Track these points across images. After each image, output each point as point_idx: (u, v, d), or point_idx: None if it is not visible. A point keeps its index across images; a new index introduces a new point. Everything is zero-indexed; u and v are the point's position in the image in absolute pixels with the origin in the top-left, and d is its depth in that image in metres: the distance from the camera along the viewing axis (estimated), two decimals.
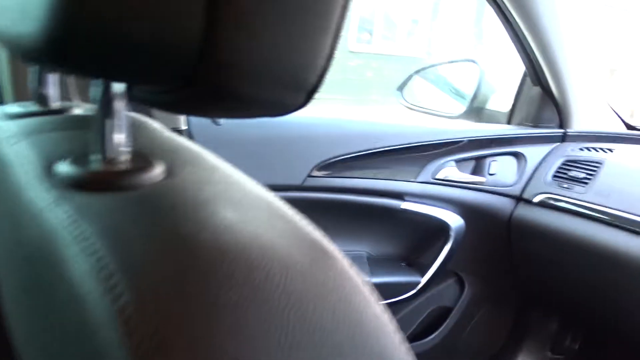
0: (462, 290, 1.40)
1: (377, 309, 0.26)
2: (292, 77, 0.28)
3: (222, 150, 1.02)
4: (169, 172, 0.32)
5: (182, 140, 0.41)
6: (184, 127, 0.91)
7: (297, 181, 1.09)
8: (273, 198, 0.33)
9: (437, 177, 1.23)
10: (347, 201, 1.16)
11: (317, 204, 1.14)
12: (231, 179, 0.34)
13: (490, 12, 1.33)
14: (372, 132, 1.18)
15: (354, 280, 0.27)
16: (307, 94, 0.30)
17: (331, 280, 0.26)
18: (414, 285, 1.25)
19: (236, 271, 0.23)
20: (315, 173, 1.11)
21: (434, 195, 1.23)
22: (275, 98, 0.30)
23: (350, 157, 1.14)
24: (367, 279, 1.19)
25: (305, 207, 1.13)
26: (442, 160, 1.23)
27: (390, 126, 1.21)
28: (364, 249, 1.26)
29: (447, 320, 1.40)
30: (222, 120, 1.01)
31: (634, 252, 1.07)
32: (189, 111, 0.46)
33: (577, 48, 1.30)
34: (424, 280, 1.25)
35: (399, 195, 1.20)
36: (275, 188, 1.02)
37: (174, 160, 0.34)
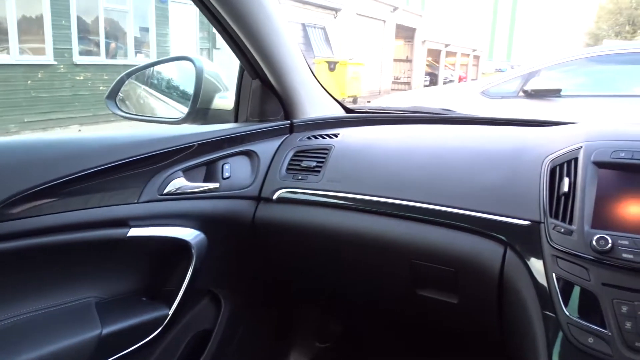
0: (219, 307, 1.28)
1: None
2: None
3: None
4: None
5: None
6: None
7: None
8: None
9: (165, 192, 1.07)
10: (55, 243, 0.92)
11: (8, 258, 0.88)
12: None
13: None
14: (74, 152, 0.95)
15: None
16: None
17: None
18: (161, 319, 1.08)
19: None
20: None
21: (164, 214, 1.07)
22: None
23: (48, 187, 0.89)
24: (97, 331, 0.99)
25: None
26: (168, 172, 1.08)
27: (97, 141, 1.00)
28: (92, 294, 1.04)
29: (210, 344, 1.27)
30: None
31: (368, 230, 1.10)
32: None
33: (287, 40, 1.28)
34: (172, 310, 1.09)
35: (123, 222, 1.01)
36: None
37: None
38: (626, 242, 0.80)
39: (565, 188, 0.89)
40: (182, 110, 1.42)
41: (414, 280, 1.10)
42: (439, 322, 1.25)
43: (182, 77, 1.60)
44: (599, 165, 0.88)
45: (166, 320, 1.08)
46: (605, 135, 0.96)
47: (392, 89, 19.15)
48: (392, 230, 1.08)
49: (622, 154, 0.88)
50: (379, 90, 18.13)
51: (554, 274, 0.86)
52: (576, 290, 0.84)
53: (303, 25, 13.92)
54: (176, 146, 1.10)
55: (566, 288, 0.84)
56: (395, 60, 20.60)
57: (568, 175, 0.91)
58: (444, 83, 22.36)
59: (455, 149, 1.14)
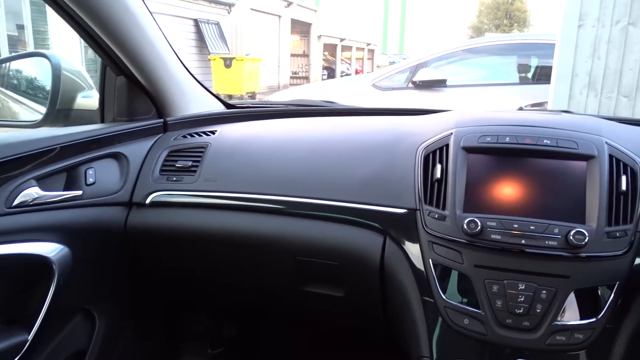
0: (93, 324, 1.18)
1: None
2: None
3: None
4: None
5: None
6: None
7: None
8: None
9: (15, 204, 0.95)
10: None
11: None
12: None
13: None
14: None
15: None
16: None
17: None
18: (19, 346, 0.96)
19: None
20: None
21: (16, 229, 0.95)
22: None
23: None
24: None
25: None
26: (18, 182, 0.96)
27: None
28: None
29: None
30: None
31: (249, 229, 1.06)
32: None
33: (153, 34, 1.19)
34: (32, 335, 0.98)
35: None
36: None
37: None
38: (494, 224, 0.83)
39: (438, 174, 0.90)
40: (39, 111, 1.29)
41: (300, 277, 1.08)
42: (330, 318, 1.23)
43: (44, 75, 1.46)
44: (468, 150, 0.90)
45: (26, 346, 0.97)
46: (473, 121, 0.99)
47: (291, 84, 19.19)
48: (273, 228, 1.04)
49: (489, 139, 0.91)
50: (278, 85, 18.10)
51: (430, 260, 0.87)
52: (452, 275, 0.85)
53: (196, 21, 13.50)
54: (28, 152, 0.98)
55: (442, 273, 0.86)
56: (292, 55, 20.65)
57: (440, 161, 0.92)
58: (342, 76, 22.82)
59: (335, 141, 1.12)
